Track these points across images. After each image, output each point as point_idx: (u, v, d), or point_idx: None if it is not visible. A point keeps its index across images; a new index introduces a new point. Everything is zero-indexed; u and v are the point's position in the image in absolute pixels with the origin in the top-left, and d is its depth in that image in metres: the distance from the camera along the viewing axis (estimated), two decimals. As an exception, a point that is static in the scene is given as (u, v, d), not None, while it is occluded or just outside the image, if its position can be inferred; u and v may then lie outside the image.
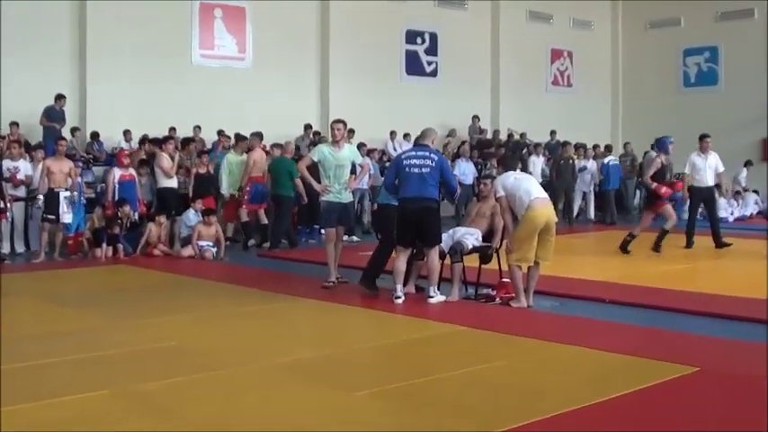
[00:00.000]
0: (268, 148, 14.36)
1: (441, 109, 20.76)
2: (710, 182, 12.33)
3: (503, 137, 20.90)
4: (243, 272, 10.47)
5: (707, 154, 12.38)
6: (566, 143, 17.57)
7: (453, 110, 21.09)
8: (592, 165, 17.90)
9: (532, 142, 19.63)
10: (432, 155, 7.93)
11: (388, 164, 12.05)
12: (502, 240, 8.26)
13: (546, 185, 17.55)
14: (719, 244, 12.28)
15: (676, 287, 8.68)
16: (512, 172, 7.95)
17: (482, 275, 8.36)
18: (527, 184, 7.74)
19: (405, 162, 7.91)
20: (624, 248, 11.52)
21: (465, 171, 16.57)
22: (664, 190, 11.78)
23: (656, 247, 11.48)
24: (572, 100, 24.08)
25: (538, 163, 17.60)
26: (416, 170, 7.83)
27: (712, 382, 5.10)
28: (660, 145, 11.70)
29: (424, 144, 8.12)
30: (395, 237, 8.08)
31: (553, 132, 21.13)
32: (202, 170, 12.99)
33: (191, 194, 12.65)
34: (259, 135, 13.62)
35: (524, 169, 12.44)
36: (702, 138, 12.52)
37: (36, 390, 4.89)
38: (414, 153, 7.98)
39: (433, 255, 7.89)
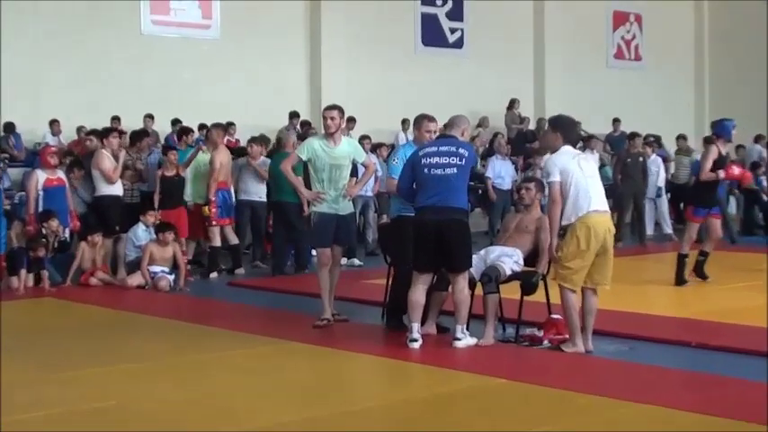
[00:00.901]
0: (243, 144, 14.34)
1: (468, 91, 20.75)
2: None
3: (550, 127, 20.90)
4: (209, 307, 10.40)
5: None
6: (633, 135, 17.43)
7: (484, 92, 21.08)
8: (656, 162, 17.77)
9: (587, 134, 19.55)
10: (460, 149, 7.89)
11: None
12: (551, 263, 8.19)
13: (608, 191, 17.42)
14: None
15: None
16: (572, 149, 7.77)
17: (525, 310, 8.30)
18: (590, 185, 7.58)
19: (424, 160, 7.87)
20: (700, 273, 11.45)
21: (501, 173, 16.48)
22: (738, 171, 11.67)
23: (699, 274, 11.39)
24: (641, 79, 24.05)
25: (593, 160, 17.51)
26: (439, 171, 7.79)
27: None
28: (720, 129, 11.55)
29: (450, 136, 8.10)
30: (411, 261, 8.02)
31: (616, 121, 21.06)
32: (170, 172, 12.89)
33: (156, 204, 12.57)
34: (222, 127, 13.49)
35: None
36: None
37: None
38: (435, 148, 7.94)
39: (461, 283, 7.84)
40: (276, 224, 13.07)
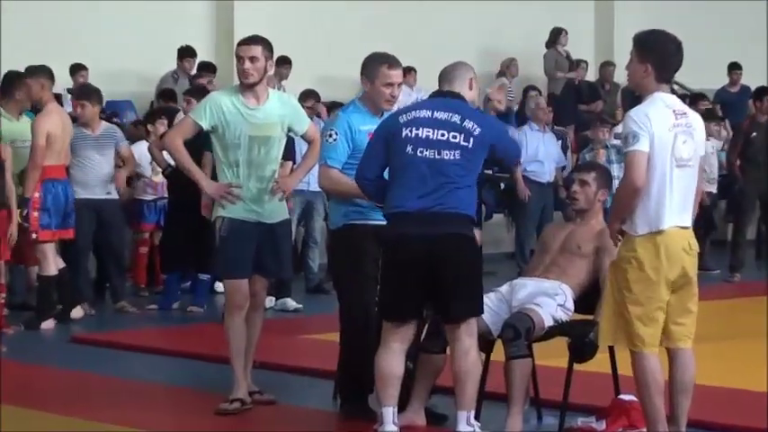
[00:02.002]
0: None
1: (482, 17, 21.00)
2: None
3: (620, 80, 20.89)
4: (41, 378, 10.46)
5: None
6: (761, 93, 17.58)
7: (509, 19, 21.27)
8: None
9: (689, 91, 19.67)
10: (467, 122, 7.90)
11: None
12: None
13: (720, 188, 17.41)
14: None
15: None
16: (673, 100, 7.64)
17: (575, 387, 8.34)
18: (679, 184, 7.55)
19: (406, 131, 7.91)
20: None
21: (538, 154, 16.56)
22: None
23: None
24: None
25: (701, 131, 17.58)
26: (430, 153, 7.84)
27: None
28: None
29: (450, 93, 8.15)
30: (377, 302, 8.08)
31: (734, 69, 21.21)
32: None
33: None
34: (47, 73, 13.33)
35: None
36: None
37: None
38: (429, 112, 7.98)
39: (466, 342, 7.86)
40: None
